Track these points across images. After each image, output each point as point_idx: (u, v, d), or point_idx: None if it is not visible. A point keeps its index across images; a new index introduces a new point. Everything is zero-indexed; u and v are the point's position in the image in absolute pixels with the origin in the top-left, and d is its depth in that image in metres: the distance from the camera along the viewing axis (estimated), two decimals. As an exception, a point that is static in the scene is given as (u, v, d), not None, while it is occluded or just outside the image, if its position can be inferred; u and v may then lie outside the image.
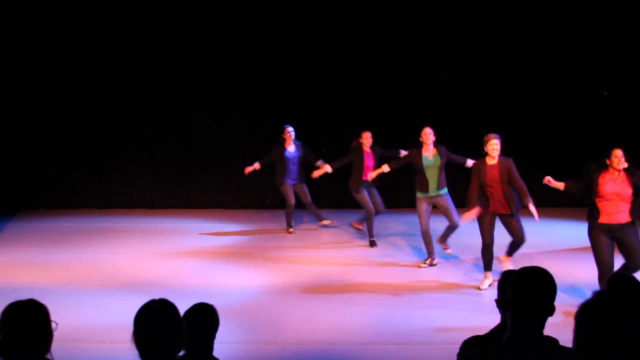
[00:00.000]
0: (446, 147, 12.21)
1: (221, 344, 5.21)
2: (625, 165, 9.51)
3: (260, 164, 14.64)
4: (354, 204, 14.27)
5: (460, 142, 13.03)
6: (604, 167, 9.52)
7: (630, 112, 14.83)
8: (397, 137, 13.58)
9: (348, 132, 14.53)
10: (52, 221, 16.00)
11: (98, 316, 9.73)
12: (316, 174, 13.83)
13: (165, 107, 16.98)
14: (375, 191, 13.70)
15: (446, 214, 12.33)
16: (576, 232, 13.96)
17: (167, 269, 12.21)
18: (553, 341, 3.74)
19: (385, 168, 12.60)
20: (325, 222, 15.20)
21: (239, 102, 17.02)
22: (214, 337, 5.08)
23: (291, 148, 14.52)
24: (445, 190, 12.16)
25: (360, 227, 14.30)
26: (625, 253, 9.62)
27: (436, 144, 12.14)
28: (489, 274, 11.00)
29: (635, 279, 5.47)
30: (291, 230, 14.85)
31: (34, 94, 16.83)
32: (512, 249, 11.11)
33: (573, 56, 15.89)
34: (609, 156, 9.51)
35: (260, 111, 16.97)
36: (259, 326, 9.57)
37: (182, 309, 4.73)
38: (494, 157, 10.80)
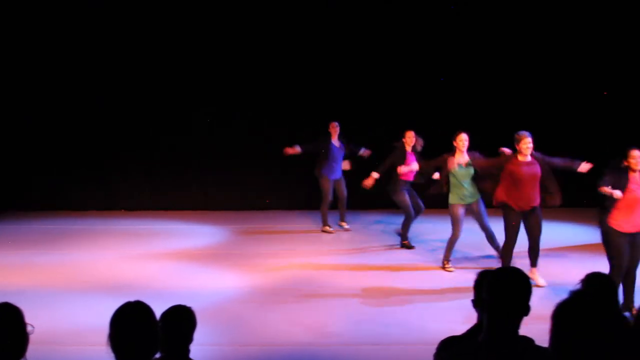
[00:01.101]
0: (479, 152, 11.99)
1: (198, 346, 5.19)
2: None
3: (302, 148, 14.53)
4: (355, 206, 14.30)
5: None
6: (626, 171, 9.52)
7: (630, 112, 14.81)
8: (396, 137, 13.53)
9: (348, 132, 14.54)
10: (30, 223, 15.89)
11: (75, 319, 9.68)
12: (367, 183, 13.56)
13: (146, 110, 16.91)
14: (414, 192, 13.57)
15: (479, 220, 12.17)
16: (563, 232, 14.12)
17: (144, 271, 12.16)
18: (528, 341, 3.76)
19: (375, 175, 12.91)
20: (344, 224, 15.10)
21: (225, 104, 17.00)
22: (190, 339, 5.06)
23: (336, 142, 14.51)
24: (479, 196, 11.97)
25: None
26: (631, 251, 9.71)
27: (469, 150, 11.90)
28: None
29: (609, 278, 5.51)
30: (329, 228, 14.82)
31: (13, 94, 16.74)
32: (533, 256, 11.11)
33: (573, 56, 15.87)
34: (626, 157, 9.52)
35: (252, 112, 16.99)
36: (236, 328, 9.55)
37: (159, 311, 4.71)
38: (526, 155, 10.79)
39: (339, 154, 14.53)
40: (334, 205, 14.89)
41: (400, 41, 16.64)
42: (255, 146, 16.85)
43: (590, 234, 13.13)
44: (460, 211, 11.89)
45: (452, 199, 11.94)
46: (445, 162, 11.90)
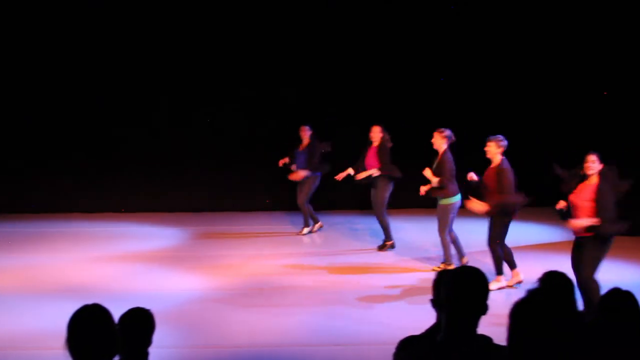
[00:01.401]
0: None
1: (157, 348, 5.16)
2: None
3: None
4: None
5: (460, 142, 13.03)
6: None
7: (630, 112, 14.88)
8: (396, 137, 13.51)
9: (348, 132, 14.51)
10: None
11: (32, 322, 9.58)
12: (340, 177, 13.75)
13: (103, 110, 16.78)
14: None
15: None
16: (525, 231, 14.20)
17: (102, 273, 12.06)
18: (487, 339, 3.78)
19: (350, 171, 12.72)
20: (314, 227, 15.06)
21: (184, 104, 16.91)
22: (149, 341, 5.03)
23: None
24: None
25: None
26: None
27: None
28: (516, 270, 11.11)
29: (566, 276, 5.56)
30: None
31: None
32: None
33: (573, 56, 15.89)
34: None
35: (212, 113, 16.92)
36: (195, 330, 9.51)
37: (118, 313, 4.68)
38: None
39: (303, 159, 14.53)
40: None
41: (400, 41, 16.62)
42: (216, 147, 16.79)
43: (553, 233, 13.27)
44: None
45: (452, 198, 11.90)
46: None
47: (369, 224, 14.65)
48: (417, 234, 14.64)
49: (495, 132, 11.13)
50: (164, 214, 16.69)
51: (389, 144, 13.19)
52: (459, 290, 3.75)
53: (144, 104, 16.79)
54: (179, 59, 16.69)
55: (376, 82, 16.76)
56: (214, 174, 16.99)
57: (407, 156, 13.83)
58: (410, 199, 14.43)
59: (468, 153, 12.51)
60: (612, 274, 9.93)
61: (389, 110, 16.41)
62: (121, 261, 12.82)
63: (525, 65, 16.38)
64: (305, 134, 14.45)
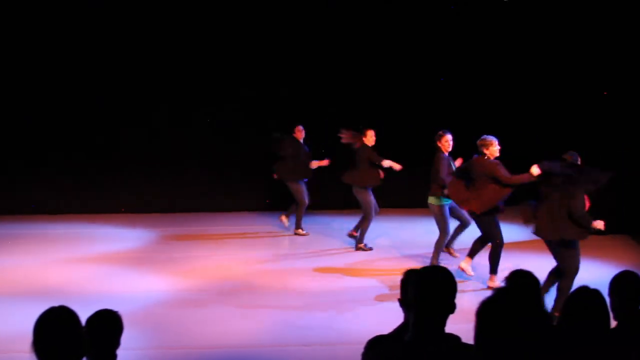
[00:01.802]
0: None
1: (125, 350, 5.14)
2: None
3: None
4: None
5: (460, 141, 13.05)
6: None
7: (630, 112, 14.91)
8: (396, 137, 13.46)
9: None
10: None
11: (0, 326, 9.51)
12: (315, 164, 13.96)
13: (76, 110, 16.61)
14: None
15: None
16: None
17: (69, 275, 11.95)
18: (455, 338, 3.80)
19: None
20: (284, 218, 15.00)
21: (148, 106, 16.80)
22: (117, 343, 5.01)
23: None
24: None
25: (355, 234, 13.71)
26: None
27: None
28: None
29: (533, 275, 5.59)
30: (301, 231, 14.72)
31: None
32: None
33: (573, 56, 15.86)
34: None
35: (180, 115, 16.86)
36: (163, 331, 9.49)
37: (85, 316, 4.66)
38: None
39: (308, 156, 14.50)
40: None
41: (400, 41, 16.53)
42: (188, 148, 16.72)
43: (519, 233, 13.34)
44: (447, 210, 12.01)
45: (434, 199, 11.95)
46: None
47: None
48: (407, 234, 14.71)
49: (495, 132, 11.24)
50: (131, 215, 16.48)
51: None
52: (426, 290, 3.76)
53: (143, 104, 16.60)
54: (179, 59, 16.52)
55: (376, 82, 16.66)
56: (213, 175, 16.86)
57: (407, 156, 13.83)
58: (408, 200, 14.50)
59: (468, 153, 12.56)
60: (587, 272, 10.00)
61: (388, 111, 16.43)
62: (88, 263, 12.70)
63: (525, 65, 16.30)
64: (301, 134, 14.44)
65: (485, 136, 11.08)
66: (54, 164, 16.65)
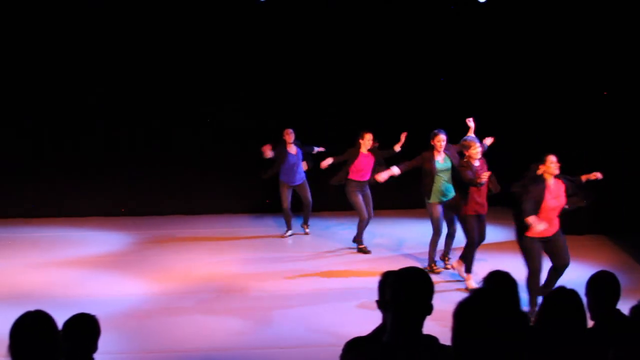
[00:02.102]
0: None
1: (103, 354, 5.12)
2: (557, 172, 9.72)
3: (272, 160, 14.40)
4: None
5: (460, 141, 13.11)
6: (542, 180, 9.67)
7: (630, 112, 14.93)
8: (395, 137, 13.44)
9: (347, 133, 14.43)
10: None
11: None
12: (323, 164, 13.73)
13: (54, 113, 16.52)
14: (370, 195, 13.46)
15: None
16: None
17: (46, 279, 11.88)
18: (432, 339, 3.80)
19: (395, 170, 12.20)
20: (305, 227, 14.92)
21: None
22: (94, 347, 4.99)
23: (292, 149, 14.40)
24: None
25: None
26: (551, 253, 9.89)
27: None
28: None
29: (509, 276, 5.62)
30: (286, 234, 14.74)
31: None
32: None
33: (573, 56, 15.88)
34: (543, 163, 9.68)
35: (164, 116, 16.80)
36: (141, 334, 9.46)
37: (63, 320, 4.64)
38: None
39: (296, 159, 14.39)
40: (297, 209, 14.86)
41: (400, 41, 16.53)
42: (216, 147, 16.68)
43: (500, 233, 13.41)
44: (439, 209, 12.01)
45: (431, 198, 11.98)
46: (424, 161, 11.94)
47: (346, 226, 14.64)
48: (396, 234, 14.77)
49: (495, 132, 11.30)
50: (104, 218, 16.33)
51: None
52: (403, 291, 3.76)
53: (143, 104, 16.56)
54: (178, 59, 16.46)
55: (376, 82, 16.66)
56: (213, 175, 16.81)
57: (407, 156, 13.81)
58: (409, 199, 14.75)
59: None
60: (564, 273, 10.03)
61: (388, 111, 16.47)
62: (65, 266, 12.63)
63: (525, 65, 16.29)
64: (290, 136, 14.39)
65: (465, 137, 11.22)
66: (30, 167, 16.53)
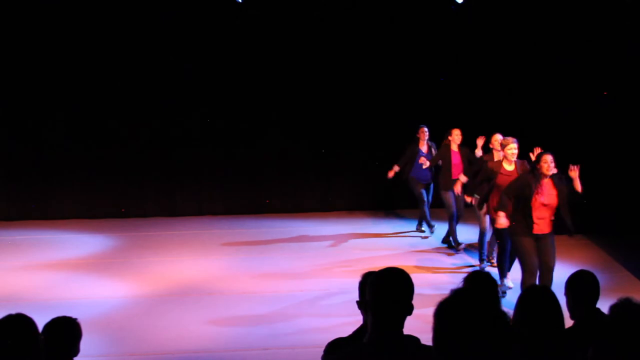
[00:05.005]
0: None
1: (84, 357, 5.12)
2: (554, 171, 9.75)
3: (399, 165, 14.16)
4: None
5: (461, 141, 13.06)
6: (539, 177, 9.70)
7: (630, 112, 14.96)
8: (395, 137, 13.43)
9: (348, 133, 14.39)
10: None
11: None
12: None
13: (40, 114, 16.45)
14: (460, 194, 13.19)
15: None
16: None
17: (27, 282, 11.82)
18: (414, 340, 3.82)
19: (463, 179, 12.40)
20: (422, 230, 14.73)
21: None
22: (76, 350, 4.98)
23: (424, 147, 14.20)
24: None
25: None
26: (538, 252, 9.85)
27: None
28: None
29: (490, 276, 5.65)
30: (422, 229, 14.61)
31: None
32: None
33: (573, 56, 15.89)
34: (538, 162, 9.69)
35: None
36: (123, 337, 9.43)
37: (44, 323, 4.63)
38: (511, 162, 10.84)
39: (428, 158, 13.98)
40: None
41: (400, 41, 16.47)
42: (216, 147, 16.66)
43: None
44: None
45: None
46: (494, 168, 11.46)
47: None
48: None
49: (495, 132, 11.37)
50: (88, 221, 16.24)
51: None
52: (383, 291, 3.78)
53: (143, 103, 16.51)
54: (178, 59, 16.43)
55: (376, 82, 16.60)
56: (213, 175, 16.79)
57: (396, 154, 13.88)
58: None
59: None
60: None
61: (388, 110, 16.45)
62: (45, 269, 12.56)
63: (525, 65, 16.27)
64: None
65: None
66: (11, 169, 16.46)
